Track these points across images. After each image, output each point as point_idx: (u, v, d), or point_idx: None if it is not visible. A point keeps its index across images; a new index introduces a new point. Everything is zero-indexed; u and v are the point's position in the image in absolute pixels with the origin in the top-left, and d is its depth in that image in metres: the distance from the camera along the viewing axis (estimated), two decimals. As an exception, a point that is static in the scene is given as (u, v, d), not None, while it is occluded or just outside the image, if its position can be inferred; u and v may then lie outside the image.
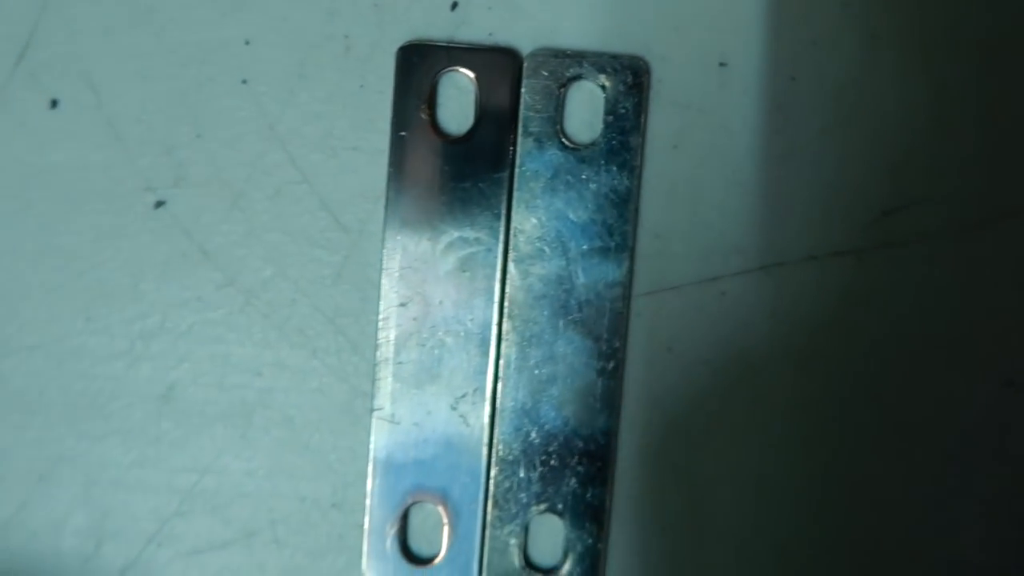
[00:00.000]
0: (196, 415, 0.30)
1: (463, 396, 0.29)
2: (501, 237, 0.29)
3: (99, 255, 0.30)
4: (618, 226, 0.29)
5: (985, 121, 0.28)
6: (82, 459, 0.30)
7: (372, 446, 0.30)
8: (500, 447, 0.29)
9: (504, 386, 0.29)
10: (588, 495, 0.30)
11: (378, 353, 0.30)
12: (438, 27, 0.29)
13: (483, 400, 0.29)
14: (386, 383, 0.30)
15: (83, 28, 0.30)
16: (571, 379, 0.29)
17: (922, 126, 0.28)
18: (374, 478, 0.30)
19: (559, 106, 0.29)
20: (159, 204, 0.30)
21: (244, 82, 0.29)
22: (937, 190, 0.28)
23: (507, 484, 0.30)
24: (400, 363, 0.29)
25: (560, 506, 0.30)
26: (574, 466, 0.29)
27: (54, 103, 0.29)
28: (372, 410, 0.30)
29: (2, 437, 0.30)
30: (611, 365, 0.29)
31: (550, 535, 0.29)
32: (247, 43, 0.29)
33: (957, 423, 0.29)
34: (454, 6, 0.29)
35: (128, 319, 0.30)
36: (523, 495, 0.30)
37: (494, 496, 0.30)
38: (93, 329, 0.30)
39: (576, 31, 0.29)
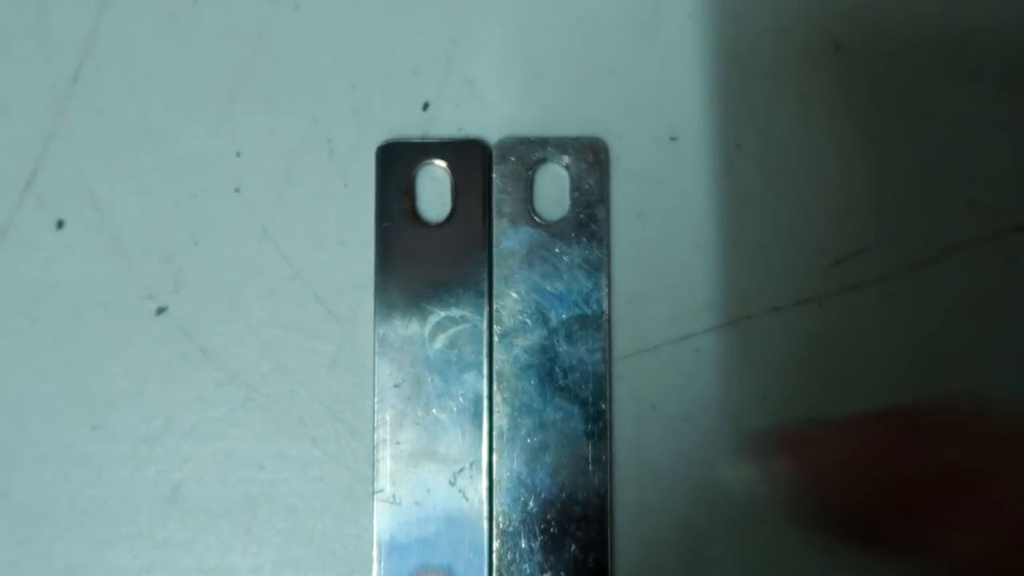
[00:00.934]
0: (202, 513, 0.28)
1: (460, 470, 0.28)
2: (485, 313, 0.28)
3: (104, 364, 0.29)
4: (593, 294, 0.28)
5: (917, 165, 0.28)
6: (90, 568, 0.28)
7: (375, 529, 0.28)
8: (500, 519, 0.28)
9: (499, 457, 0.28)
10: (590, 560, 0.28)
11: (376, 435, 0.28)
12: (412, 126, 0.29)
13: (480, 473, 0.28)
14: (385, 464, 0.28)
15: (87, 152, 0.29)
16: (562, 445, 0.28)
17: (861, 176, 0.28)
18: (379, 561, 0.28)
19: (528, 187, 0.28)
20: (160, 310, 0.29)
21: (237, 190, 0.29)
22: (883, 234, 0.28)
23: (510, 556, 0.28)
24: (397, 443, 0.28)
25: (563, 574, 0.28)
26: (573, 532, 0.28)
27: (60, 224, 0.29)
28: (373, 493, 0.28)
29: (11, 552, 0.28)
30: (599, 427, 0.28)
31: (557, 602, 0.27)
32: (238, 155, 0.29)
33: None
34: (425, 106, 0.29)
35: (133, 423, 0.28)
36: (526, 566, 0.28)
37: (498, 569, 0.28)
38: (100, 436, 0.28)
39: (538, 119, 0.29)
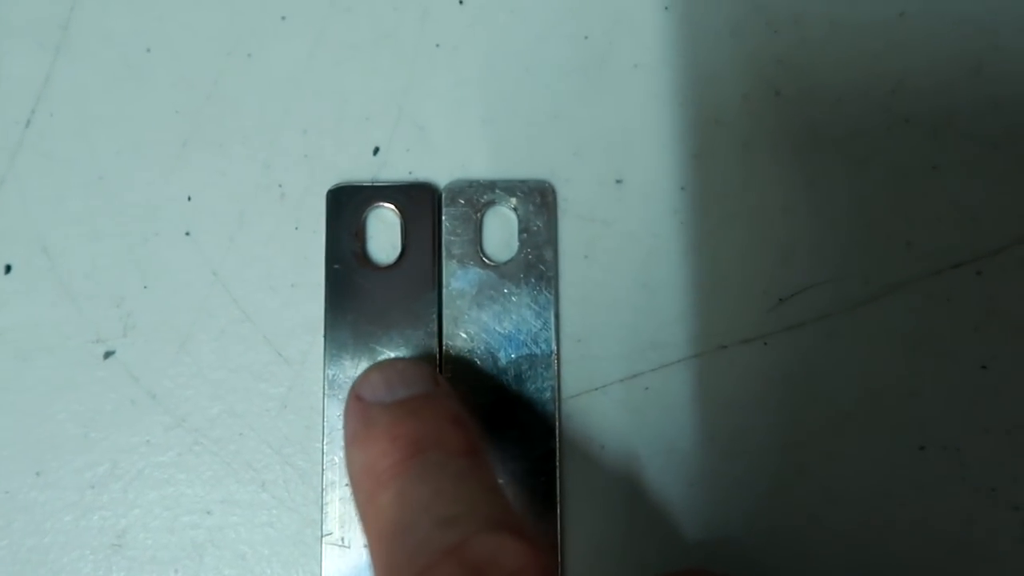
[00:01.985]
0: (148, 561, 0.27)
1: None
2: (435, 354, 0.28)
3: (49, 409, 0.28)
4: (542, 334, 0.28)
5: (856, 207, 0.29)
6: (31, 620, 0.26)
7: (324, 574, 0.27)
8: (451, 562, 0.30)
9: None
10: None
11: (324, 478, 0.27)
12: (363, 170, 0.29)
13: None
14: (334, 507, 0.27)
15: (37, 198, 0.29)
16: (512, 484, 0.27)
17: (802, 218, 0.28)
18: (328, 607, 0.26)
19: (477, 229, 0.28)
20: (108, 354, 0.28)
21: (187, 234, 0.29)
22: (824, 274, 0.28)
23: (461, 601, 0.30)
24: (346, 486, 0.27)
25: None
26: (525, 574, 0.30)
27: (8, 268, 0.29)
28: (322, 536, 0.27)
29: (-52, 605, 0.27)
30: (548, 467, 0.28)
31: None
32: (189, 199, 0.29)
33: (879, 487, 0.28)
34: (376, 151, 0.29)
35: (78, 469, 0.28)
36: (478, 610, 0.30)
37: (450, 615, 0.30)
38: (43, 483, 0.28)
39: (486, 163, 0.29)
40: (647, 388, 0.28)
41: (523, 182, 0.29)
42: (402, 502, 0.22)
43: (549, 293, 0.28)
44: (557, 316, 0.28)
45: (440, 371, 0.28)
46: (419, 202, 0.29)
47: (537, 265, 0.29)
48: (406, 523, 0.22)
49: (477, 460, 0.24)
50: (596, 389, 0.28)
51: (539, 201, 0.29)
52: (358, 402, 0.25)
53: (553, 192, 0.29)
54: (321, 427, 0.28)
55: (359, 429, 0.25)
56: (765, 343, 0.28)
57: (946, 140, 0.29)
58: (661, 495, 0.28)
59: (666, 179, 0.29)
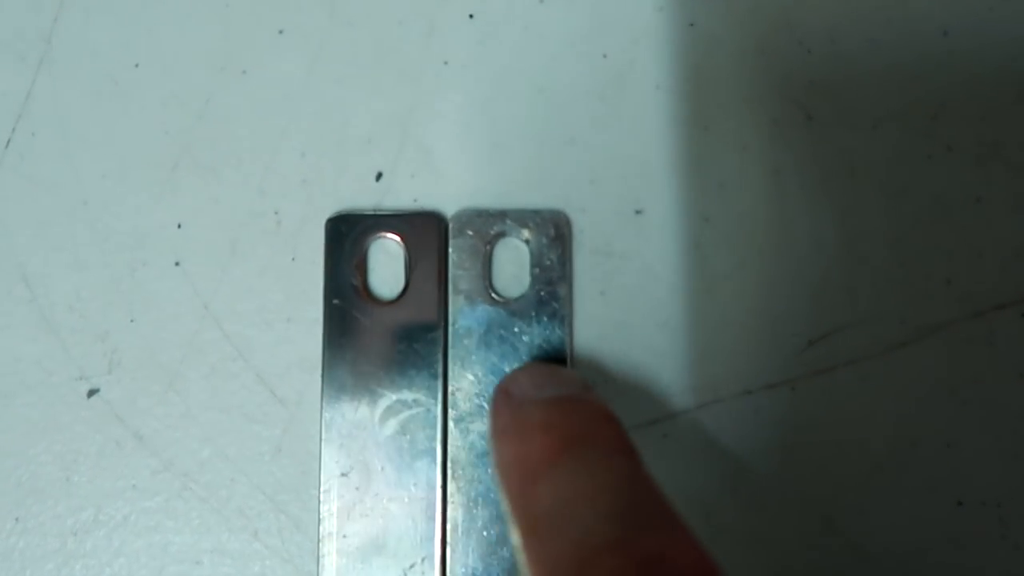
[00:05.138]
0: None
1: (412, 566, 0.25)
2: (439, 396, 0.26)
3: (30, 450, 0.26)
4: None
5: (893, 242, 0.26)
6: (10, 673, 0.24)
7: None
8: (455, 617, 0.24)
9: (453, 552, 0.25)
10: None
11: (321, 528, 0.25)
12: (364, 197, 0.27)
13: (433, 569, 0.25)
14: (331, 560, 0.25)
15: (18, 224, 0.27)
16: None
17: (834, 253, 0.26)
18: (324, 665, 0.24)
19: (486, 263, 0.26)
20: (92, 392, 0.26)
21: (177, 264, 0.26)
22: (857, 314, 0.26)
23: (466, 657, 0.27)
24: (344, 536, 0.25)
25: (523, 675, 0.27)
26: (534, 630, 0.27)
27: None
28: None
29: (-77, 657, 0.24)
30: None
31: None
32: (179, 226, 0.26)
33: (912, 544, 0.25)
34: (379, 176, 0.27)
35: (60, 515, 0.26)
36: (483, 667, 0.27)
37: (453, 672, 0.24)
38: (23, 529, 0.26)
39: (497, 191, 0.26)
40: (665, 435, 0.26)
41: (536, 212, 0.26)
42: (561, 493, 0.21)
43: (563, 332, 0.26)
44: (571, 357, 0.26)
45: (444, 415, 0.25)
46: (424, 232, 0.26)
47: (550, 302, 0.26)
48: (566, 514, 0.20)
49: (635, 459, 0.22)
50: (611, 435, 0.25)
51: (553, 233, 0.26)
52: (508, 397, 0.24)
53: (568, 223, 0.26)
54: (317, 473, 0.25)
55: (510, 422, 0.23)
56: (793, 388, 0.26)
57: (991, 170, 0.26)
58: (679, 548, 0.25)
59: (689, 210, 0.26)
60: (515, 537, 0.21)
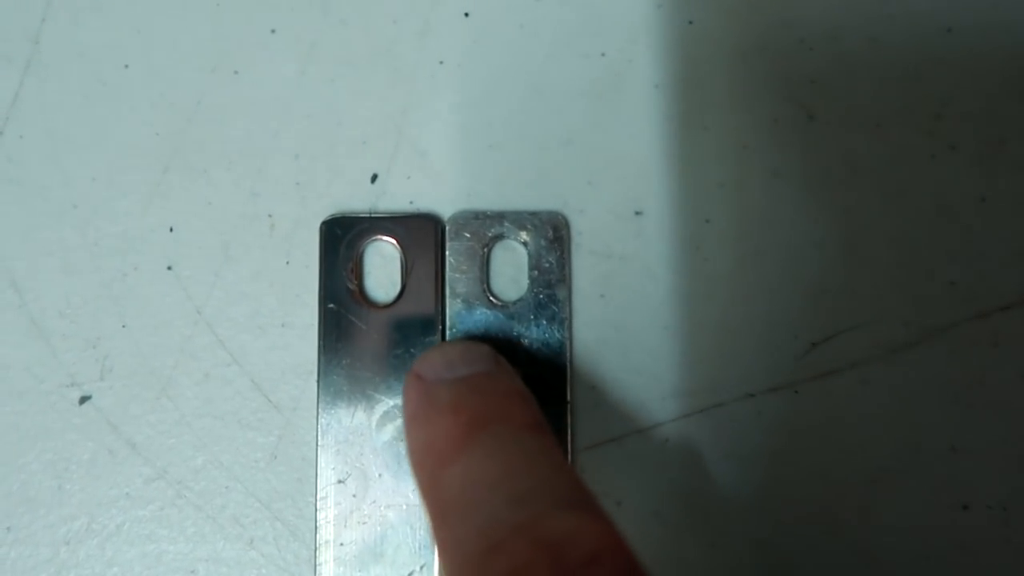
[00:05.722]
0: None
1: (410, 574, 0.24)
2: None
3: (21, 459, 0.25)
4: (553, 380, 0.25)
5: (895, 243, 0.26)
6: None
7: None
8: (454, 625, 0.27)
9: None
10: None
11: (318, 536, 0.25)
12: (360, 199, 0.26)
13: None
14: (328, 568, 0.24)
15: (6, 229, 0.26)
16: None
17: (836, 254, 0.25)
18: (321, 674, 0.24)
19: (484, 266, 0.25)
20: (84, 399, 0.25)
21: (169, 268, 0.26)
22: (860, 316, 0.25)
23: (465, 665, 0.27)
24: (341, 544, 0.25)
25: None
26: (534, 638, 0.27)
27: None
28: None
29: (-87, 669, 0.24)
30: None
31: None
32: (171, 230, 0.26)
33: (918, 548, 0.25)
34: (374, 178, 0.26)
35: (52, 524, 0.25)
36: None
37: None
38: (14, 539, 0.25)
39: (494, 192, 0.26)
40: (667, 440, 0.25)
41: (534, 214, 0.26)
42: (468, 478, 0.20)
43: (562, 336, 0.25)
44: (570, 361, 0.25)
45: (443, 421, 0.25)
46: (421, 235, 0.26)
47: (549, 305, 0.25)
48: (473, 499, 0.20)
49: (545, 435, 0.22)
50: (612, 440, 0.25)
51: (551, 235, 0.25)
52: (418, 380, 0.23)
53: (566, 225, 0.26)
54: (314, 480, 0.25)
55: (419, 407, 0.23)
56: (795, 391, 0.25)
57: (995, 169, 0.26)
58: (681, 555, 0.25)
59: (689, 211, 0.26)
60: (428, 523, 0.21)
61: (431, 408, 0.22)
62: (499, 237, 0.26)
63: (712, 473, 0.25)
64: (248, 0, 0.27)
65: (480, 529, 0.19)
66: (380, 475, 0.25)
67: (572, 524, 0.19)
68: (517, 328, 0.25)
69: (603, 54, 0.26)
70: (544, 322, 0.25)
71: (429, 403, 0.22)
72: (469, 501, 0.20)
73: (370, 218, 0.26)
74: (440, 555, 0.20)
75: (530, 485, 0.20)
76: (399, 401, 0.25)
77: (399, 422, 0.25)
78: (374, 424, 0.25)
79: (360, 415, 0.25)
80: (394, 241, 0.26)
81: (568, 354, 0.25)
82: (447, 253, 0.26)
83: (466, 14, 0.27)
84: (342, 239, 0.26)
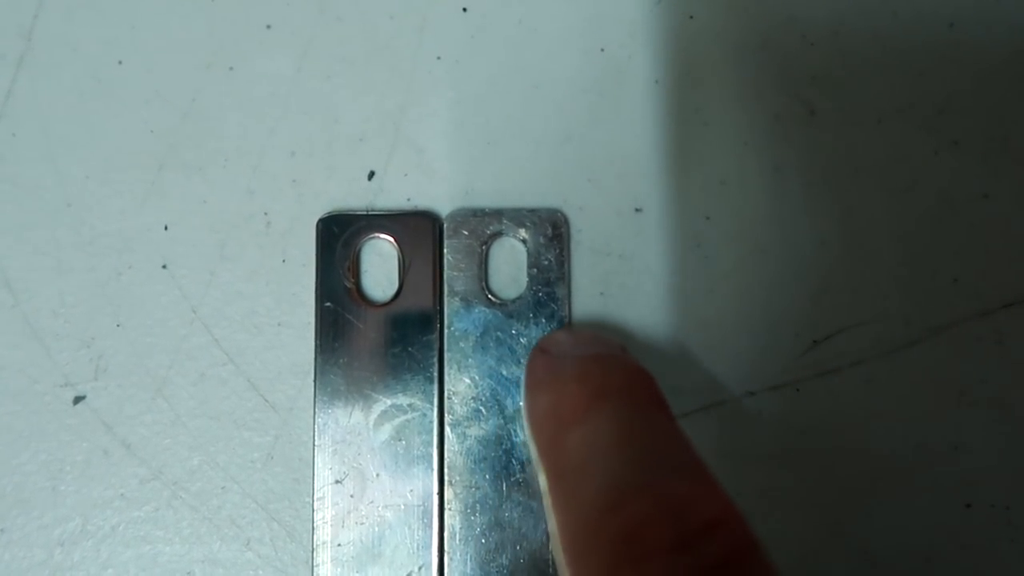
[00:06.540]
0: None
1: (409, 575, 0.24)
2: (435, 401, 0.25)
3: (14, 460, 0.25)
4: None
5: (898, 240, 0.25)
6: None
7: None
8: (453, 626, 0.24)
9: (451, 560, 0.24)
10: (551, 671, 0.26)
11: (315, 537, 0.24)
12: (356, 197, 0.26)
13: None
14: (326, 569, 0.24)
15: None
16: (520, 545, 0.24)
17: (837, 250, 0.25)
18: (319, 676, 0.23)
19: (482, 263, 0.25)
20: (78, 399, 0.25)
21: (164, 267, 0.25)
22: (862, 313, 0.25)
23: (464, 667, 0.26)
24: (339, 545, 0.24)
25: None
26: (533, 640, 0.26)
27: None
28: None
29: (-94, 672, 0.24)
30: None
31: None
32: (166, 228, 0.25)
33: (921, 548, 0.24)
34: (371, 175, 0.26)
35: (46, 526, 0.25)
36: (482, 678, 0.26)
37: None
38: (8, 541, 0.25)
39: (492, 189, 0.26)
40: (667, 438, 0.25)
41: (533, 211, 0.25)
42: (591, 442, 0.21)
43: (561, 334, 0.25)
44: (569, 359, 0.25)
45: (441, 420, 0.25)
46: (419, 233, 0.25)
47: (548, 303, 0.25)
48: (594, 460, 0.20)
49: (667, 413, 0.22)
50: (612, 439, 0.25)
51: (550, 232, 0.25)
52: (544, 354, 0.23)
53: (566, 222, 0.25)
54: (311, 480, 0.25)
55: (544, 376, 0.23)
56: (797, 390, 0.25)
57: (999, 165, 0.25)
58: (682, 554, 0.24)
59: (689, 208, 0.25)
60: (542, 482, 0.21)
61: (556, 378, 0.22)
62: (498, 235, 0.25)
63: (713, 471, 0.25)
64: (243, -5, 0.26)
65: (600, 488, 0.19)
66: (378, 475, 0.25)
67: (694, 490, 0.19)
68: (516, 326, 0.25)
69: (602, 50, 0.26)
70: (543, 320, 0.25)
71: (554, 374, 0.23)
72: (590, 461, 0.20)
73: (367, 216, 0.25)
74: (556, 514, 0.20)
75: (651, 452, 0.20)
76: (397, 400, 0.25)
77: (397, 421, 0.25)
78: (371, 424, 0.25)
79: (357, 415, 0.25)
80: (391, 239, 0.25)
81: (568, 353, 0.25)
82: (445, 251, 0.25)
83: (464, 9, 0.26)
84: (339, 237, 0.25)
